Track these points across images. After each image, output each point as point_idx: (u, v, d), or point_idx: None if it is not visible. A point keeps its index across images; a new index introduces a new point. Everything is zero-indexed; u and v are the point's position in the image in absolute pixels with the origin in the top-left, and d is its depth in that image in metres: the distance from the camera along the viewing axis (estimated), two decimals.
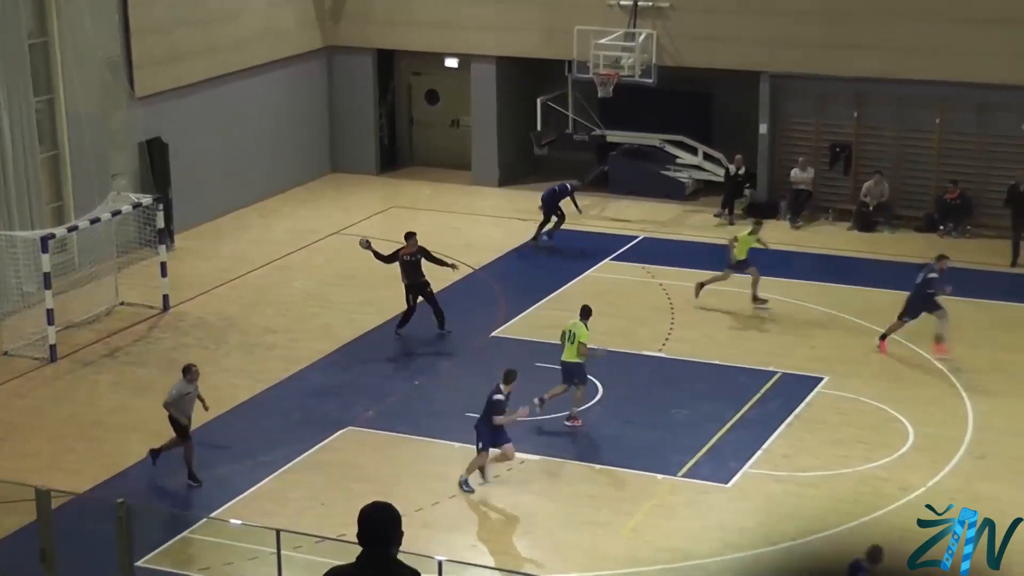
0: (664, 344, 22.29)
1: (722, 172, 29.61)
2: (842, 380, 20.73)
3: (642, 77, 28.93)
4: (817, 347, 22.12)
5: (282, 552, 14.85)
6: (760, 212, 28.96)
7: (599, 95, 29.40)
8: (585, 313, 19.64)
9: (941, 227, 27.77)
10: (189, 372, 18.00)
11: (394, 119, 33.34)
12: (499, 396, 17.62)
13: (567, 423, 19.41)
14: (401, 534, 7.05)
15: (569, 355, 19.35)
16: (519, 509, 17.26)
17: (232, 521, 16.67)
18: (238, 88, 29.44)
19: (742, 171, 29.04)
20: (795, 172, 28.83)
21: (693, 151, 30.49)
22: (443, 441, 19.00)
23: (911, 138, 28.61)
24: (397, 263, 22.47)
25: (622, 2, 29.47)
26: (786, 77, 28.96)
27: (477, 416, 17.74)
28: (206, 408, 18.25)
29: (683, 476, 17.97)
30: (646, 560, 16.06)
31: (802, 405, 19.96)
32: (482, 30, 30.71)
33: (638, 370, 21.35)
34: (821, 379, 20.79)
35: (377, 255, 22.47)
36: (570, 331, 19.35)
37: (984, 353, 21.76)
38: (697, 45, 29.17)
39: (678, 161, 30.57)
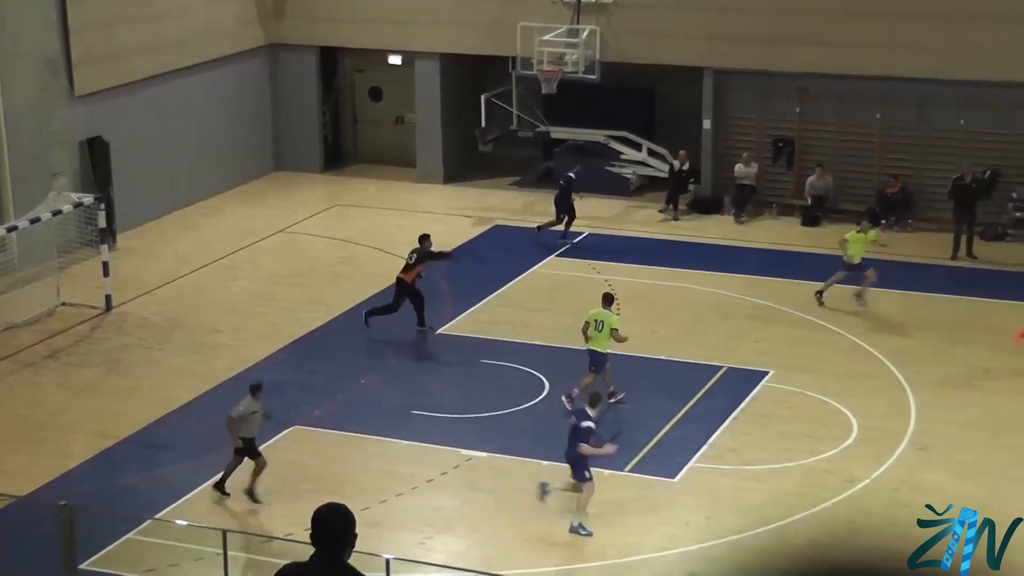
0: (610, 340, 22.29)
1: (666, 168, 29.72)
2: (787, 374, 20.86)
3: (586, 73, 28.96)
4: (762, 341, 22.24)
5: (228, 552, 14.78)
6: (704, 207, 29.17)
7: (543, 91, 29.42)
8: (607, 300, 19.72)
9: (883, 221, 28.00)
10: (260, 390, 17.09)
11: (338, 117, 33.21)
12: (589, 423, 16.39)
13: (565, 400, 19.53)
14: (355, 536, 7.01)
15: (597, 343, 19.36)
16: (467, 507, 17.24)
17: (177, 522, 16.54)
18: (180, 86, 29.19)
19: (686, 167, 29.16)
20: (739, 167, 28.98)
21: (637, 147, 30.58)
22: (390, 439, 18.95)
23: (853, 133, 28.85)
24: (420, 264, 22.29)
25: None
26: (729, 72, 29.11)
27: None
28: (271, 419, 17.51)
29: (630, 471, 18.02)
30: (594, 555, 16.10)
31: (747, 399, 20.07)
32: (426, 27, 30.64)
33: (584, 366, 21.35)
34: (766, 373, 20.92)
35: (439, 255, 22.55)
36: (597, 320, 19.35)
37: (926, 346, 21.99)
38: (640, 41, 29.25)
39: (622, 157, 30.65)
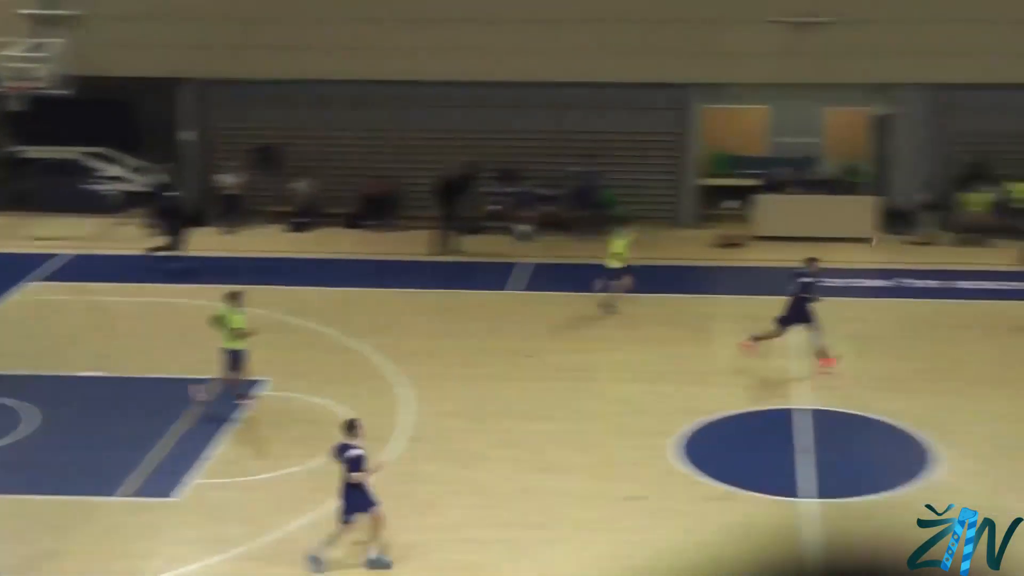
0: (102, 362, 21.47)
1: (148, 182, 28.96)
2: (284, 380, 20.81)
3: (57, 88, 27.72)
4: (258, 349, 22.02)
5: None
6: (192, 220, 28.66)
7: (11, 109, 27.98)
8: (231, 297, 19.52)
9: (366, 222, 28.58)
10: None
11: None
12: (357, 451, 15.58)
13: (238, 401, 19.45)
14: None
15: (226, 342, 19.26)
16: None
17: None
18: None
19: (169, 179, 28.55)
20: (225, 177, 28.72)
21: (118, 162, 29.63)
22: None
23: (334, 137, 29.29)
24: None
25: (30, 11, 28.14)
26: (209, 82, 28.79)
27: None
28: None
29: (127, 496, 17.38)
30: None
31: (245, 409, 19.86)
32: None
33: (75, 392, 20.49)
34: (263, 381, 20.77)
35: None
36: (221, 317, 19.30)
37: (414, 340, 22.56)
38: (114, 53, 28.36)
39: (101, 174, 29.58)
